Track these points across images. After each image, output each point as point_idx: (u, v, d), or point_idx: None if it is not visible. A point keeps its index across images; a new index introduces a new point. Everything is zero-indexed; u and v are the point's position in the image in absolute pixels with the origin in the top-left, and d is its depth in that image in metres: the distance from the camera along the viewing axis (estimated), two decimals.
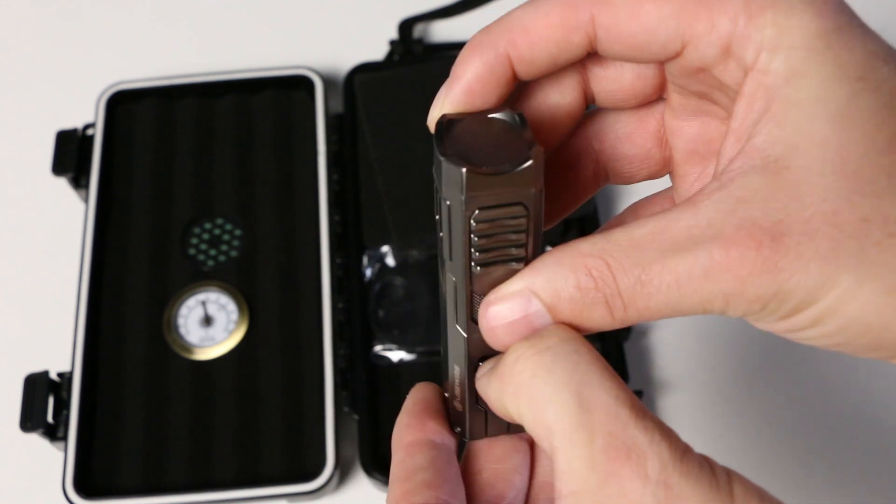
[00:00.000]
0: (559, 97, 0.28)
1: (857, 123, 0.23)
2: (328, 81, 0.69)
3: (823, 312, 0.23)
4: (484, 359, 0.28)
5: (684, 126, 0.29)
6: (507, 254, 0.26)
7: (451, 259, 0.26)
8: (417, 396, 0.31)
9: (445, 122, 0.26)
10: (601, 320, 0.25)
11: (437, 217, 0.26)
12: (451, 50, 0.71)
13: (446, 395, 0.31)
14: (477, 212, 0.24)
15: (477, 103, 0.27)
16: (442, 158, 0.24)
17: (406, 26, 0.73)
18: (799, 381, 0.60)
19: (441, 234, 0.26)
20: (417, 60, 0.70)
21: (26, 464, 0.59)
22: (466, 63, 0.27)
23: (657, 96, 0.29)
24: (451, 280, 0.27)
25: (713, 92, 0.27)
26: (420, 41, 0.72)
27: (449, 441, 0.30)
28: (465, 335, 0.28)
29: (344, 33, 0.74)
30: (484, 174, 0.24)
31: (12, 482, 0.59)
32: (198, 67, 0.71)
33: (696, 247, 0.23)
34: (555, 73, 0.28)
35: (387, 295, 0.61)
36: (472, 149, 0.25)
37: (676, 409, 0.60)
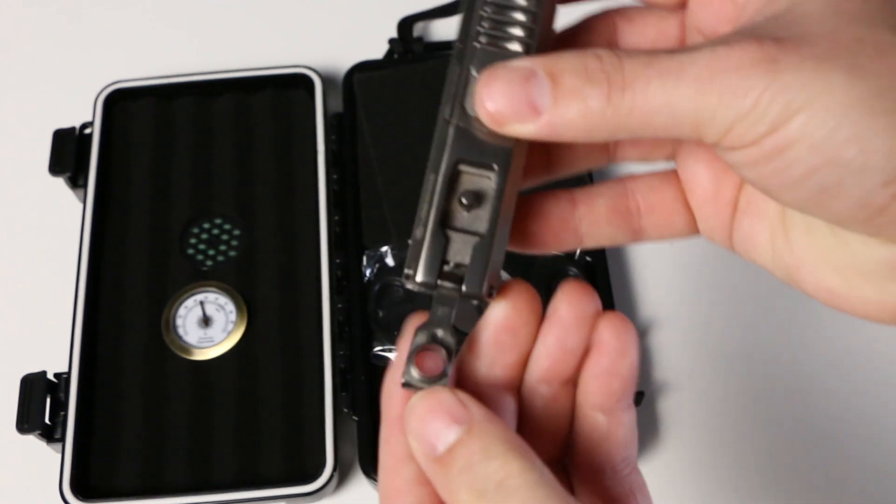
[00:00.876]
0: (595, 42, 0.30)
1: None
2: (327, 80, 0.68)
3: (813, 117, 0.23)
4: (465, 163, 0.27)
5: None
6: (511, 33, 0.26)
7: (460, 46, 0.27)
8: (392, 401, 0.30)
9: None
10: (596, 99, 0.24)
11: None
12: (451, 48, 0.71)
13: (410, 241, 0.28)
14: None
15: None
16: None
17: (405, 25, 0.72)
18: (799, 381, 0.60)
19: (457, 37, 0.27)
20: (417, 59, 0.70)
21: (23, 465, 0.58)
22: None
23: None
24: (452, 72, 0.27)
25: (726, 30, 0.28)
26: (420, 40, 0.72)
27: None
28: (454, 123, 0.27)
29: (343, 32, 0.74)
30: None
31: (9, 484, 0.58)
32: (196, 66, 0.71)
33: (702, 48, 0.24)
34: (590, 23, 0.30)
35: (386, 295, 0.61)
36: None
37: (676, 409, 0.60)
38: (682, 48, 0.25)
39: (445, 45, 0.72)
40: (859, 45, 0.24)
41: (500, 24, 0.26)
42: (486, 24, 0.26)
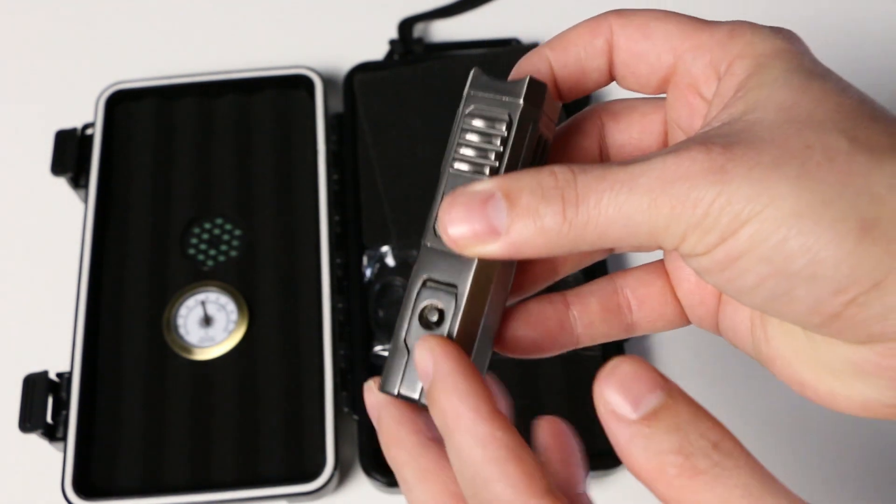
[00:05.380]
0: (583, 142, 0.32)
1: (809, 94, 0.25)
2: (328, 81, 0.69)
3: (762, 228, 0.23)
4: (431, 282, 0.28)
5: None
6: (483, 159, 0.28)
7: (443, 164, 0.29)
8: (373, 403, 0.30)
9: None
10: (552, 218, 0.25)
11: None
12: (451, 49, 0.71)
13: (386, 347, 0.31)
14: (472, 107, 0.28)
15: None
16: (473, 70, 0.29)
17: (406, 26, 0.72)
18: None
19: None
20: (417, 60, 0.70)
21: (25, 464, 0.59)
22: (520, 67, 0.31)
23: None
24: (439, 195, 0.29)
25: (700, 125, 0.29)
26: (420, 41, 0.72)
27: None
28: (426, 243, 0.29)
29: (344, 33, 0.74)
30: (487, 76, 0.29)
31: (11, 482, 0.59)
32: (197, 67, 0.71)
33: (652, 158, 0.25)
34: (580, 125, 0.32)
35: (387, 295, 0.61)
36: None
37: None
38: (636, 158, 0.25)
39: (446, 47, 0.72)
40: (808, 152, 0.24)
41: (474, 149, 0.28)
42: (460, 150, 0.28)
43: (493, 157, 0.28)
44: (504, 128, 0.28)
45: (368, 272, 0.61)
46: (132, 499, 0.55)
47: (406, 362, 0.29)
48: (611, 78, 0.31)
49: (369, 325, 0.60)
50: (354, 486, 0.58)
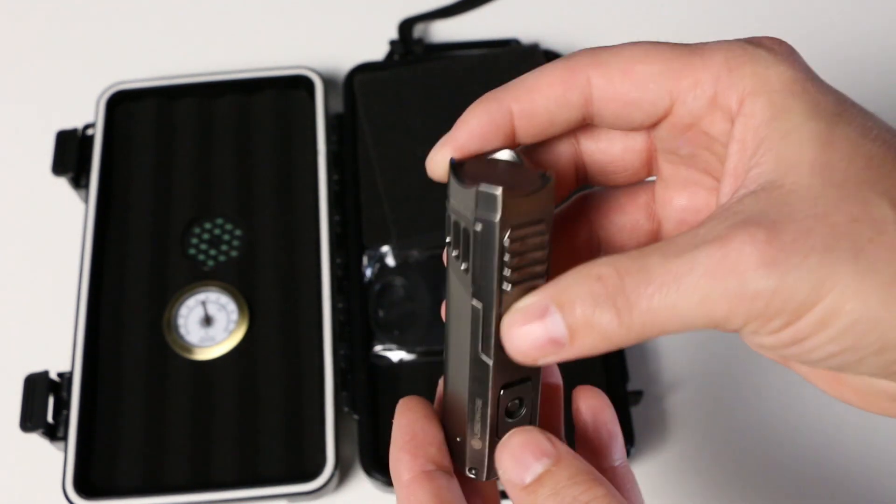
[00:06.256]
0: (555, 164, 0.31)
1: (838, 147, 0.25)
2: (328, 81, 0.69)
3: (828, 312, 0.24)
4: (506, 386, 0.29)
5: (674, 197, 0.31)
6: (532, 271, 0.27)
7: (479, 286, 0.27)
8: (405, 421, 0.31)
9: (456, 163, 0.28)
10: (609, 325, 0.25)
11: (455, 253, 0.28)
12: (451, 50, 0.71)
13: (458, 439, 0.31)
14: (510, 231, 0.26)
15: (477, 150, 0.29)
16: (473, 189, 0.26)
17: (406, 26, 0.73)
18: (800, 381, 0.60)
19: (463, 267, 0.28)
20: (417, 60, 0.70)
21: (26, 464, 0.59)
22: (471, 113, 0.29)
23: (645, 173, 0.31)
24: (475, 309, 0.28)
25: (702, 153, 0.29)
26: (420, 41, 0.72)
27: (448, 465, 0.31)
28: (491, 362, 0.28)
29: (344, 33, 0.74)
30: (517, 195, 0.26)
31: (12, 482, 0.59)
32: (198, 67, 0.71)
33: (695, 249, 0.24)
34: (551, 144, 0.30)
35: (387, 295, 0.61)
36: (490, 181, 0.26)
37: (676, 409, 0.60)
38: (673, 242, 0.25)
39: (446, 47, 0.72)
40: (856, 227, 0.24)
41: (522, 267, 0.27)
42: (511, 273, 0.27)
43: (540, 267, 0.27)
44: (546, 236, 0.27)
45: (368, 272, 0.62)
46: (132, 498, 0.55)
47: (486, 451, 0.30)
48: (585, 123, 0.29)
49: (369, 325, 0.60)
50: (354, 486, 0.58)
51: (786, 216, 0.24)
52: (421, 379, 0.59)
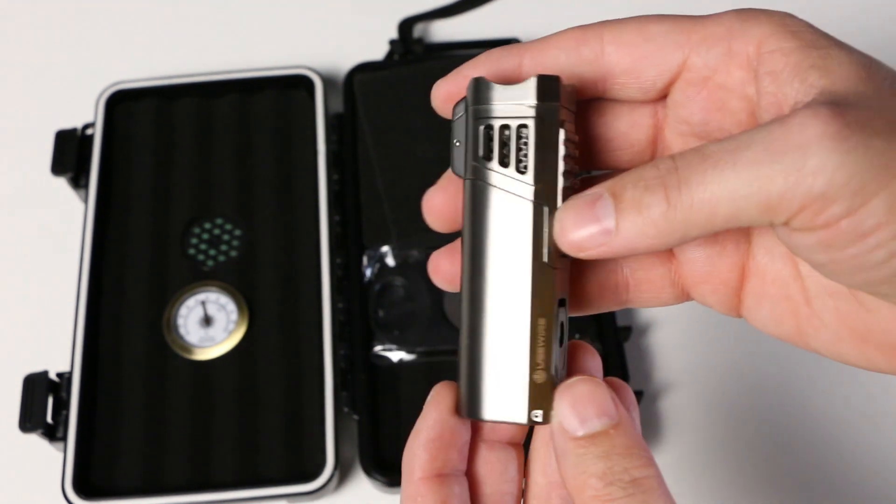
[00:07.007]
0: None
1: (875, 67, 0.25)
2: (328, 81, 0.69)
3: (892, 200, 0.22)
4: (563, 302, 0.28)
5: None
6: (573, 168, 0.28)
7: (542, 181, 0.27)
8: (436, 416, 0.29)
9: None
10: (658, 207, 0.24)
11: (492, 164, 0.28)
12: (451, 50, 0.71)
13: (497, 383, 0.28)
14: (566, 114, 0.27)
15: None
16: (531, 80, 0.27)
17: (406, 26, 0.72)
18: (799, 381, 0.60)
19: (515, 168, 0.27)
20: (417, 60, 0.70)
21: (25, 464, 0.59)
22: (481, 58, 0.29)
23: (650, 152, 0.30)
24: (537, 208, 0.27)
25: (714, 118, 0.28)
26: (420, 41, 0.72)
27: (463, 468, 0.29)
28: (555, 268, 0.27)
29: (344, 33, 0.74)
30: (563, 83, 0.27)
31: (11, 482, 0.59)
32: (197, 67, 0.71)
33: (753, 130, 0.24)
34: None
35: (387, 295, 0.61)
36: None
37: (676, 409, 0.60)
38: (735, 134, 0.24)
39: (446, 47, 0.72)
40: None
41: (573, 152, 0.28)
42: (562, 164, 0.27)
43: (574, 163, 0.27)
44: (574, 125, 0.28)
45: (368, 272, 0.61)
46: (132, 499, 0.55)
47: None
48: (593, 92, 0.29)
49: (369, 325, 0.60)
50: (354, 486, 0.58)
51: (848, 104, 0.23)
52: (421, 379, 0.59)
